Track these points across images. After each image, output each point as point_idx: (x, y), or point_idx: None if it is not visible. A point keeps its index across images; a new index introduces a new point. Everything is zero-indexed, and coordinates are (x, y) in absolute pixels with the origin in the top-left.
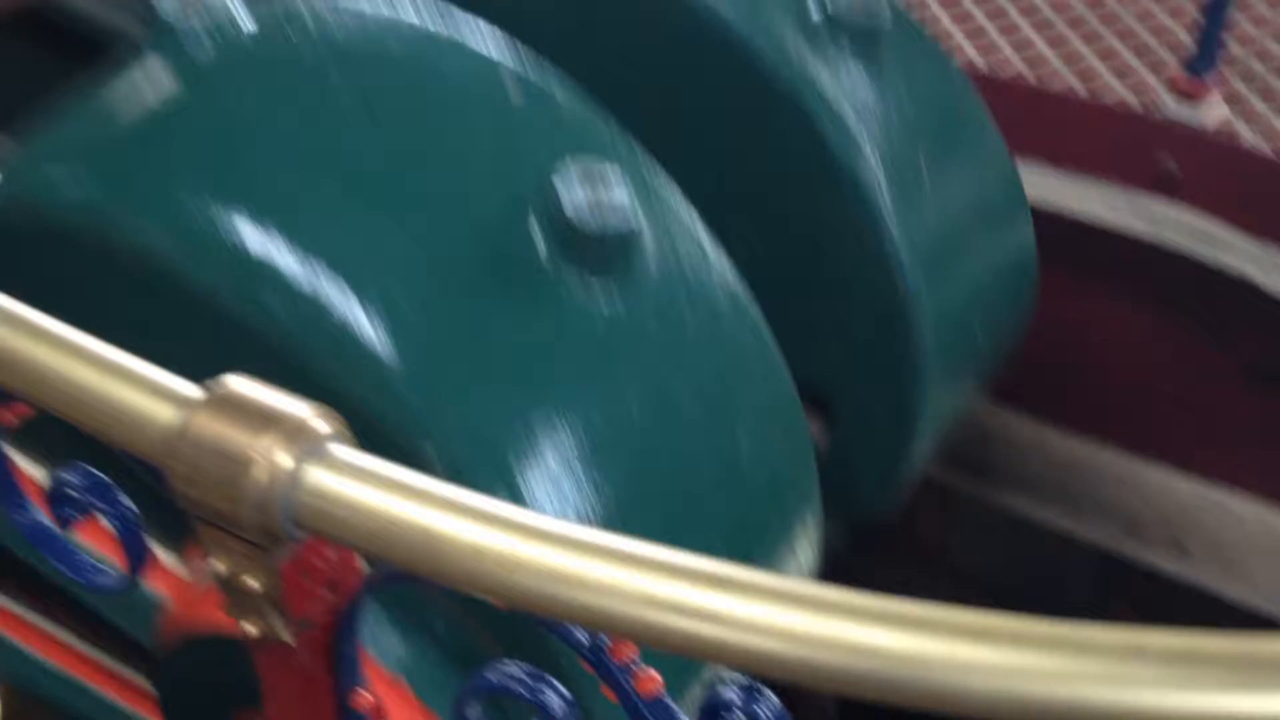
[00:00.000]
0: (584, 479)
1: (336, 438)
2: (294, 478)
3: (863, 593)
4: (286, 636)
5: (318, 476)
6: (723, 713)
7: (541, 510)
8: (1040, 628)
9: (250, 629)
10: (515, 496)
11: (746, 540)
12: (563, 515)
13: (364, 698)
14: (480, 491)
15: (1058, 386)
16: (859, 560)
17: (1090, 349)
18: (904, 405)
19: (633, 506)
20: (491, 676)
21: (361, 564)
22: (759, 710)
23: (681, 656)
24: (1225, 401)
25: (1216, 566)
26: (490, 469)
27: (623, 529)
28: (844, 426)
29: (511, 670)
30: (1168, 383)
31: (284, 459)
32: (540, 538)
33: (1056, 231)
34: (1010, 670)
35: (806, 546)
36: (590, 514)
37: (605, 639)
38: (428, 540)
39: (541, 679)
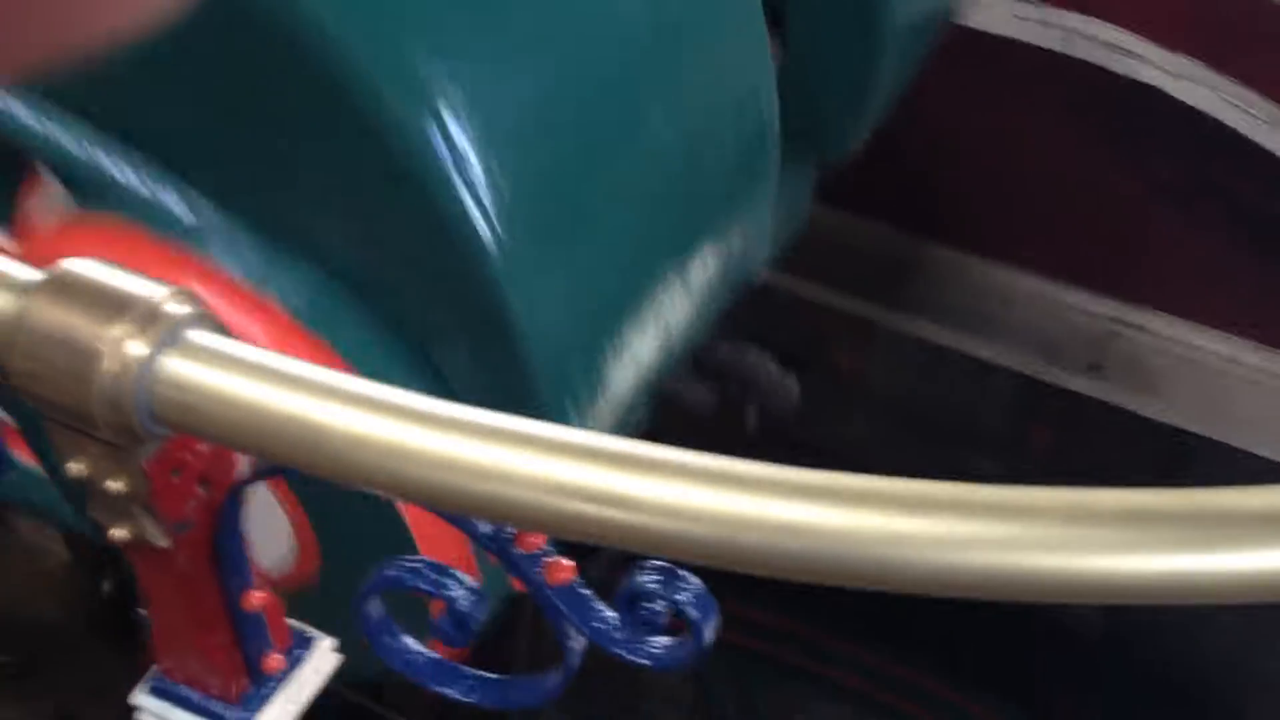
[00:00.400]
0: (517, 104)
1: (196, 321)
2: (149, 369)
3: (785, 467)
4: (160, 540)
5: (176, 366)
6: (642, 602)
7: (467, 159)
8: (981, 493)
9: (119, 534)
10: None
11: (702, 166)
12: (492, 162)
13: (254, 598)
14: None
15: (971, 211)
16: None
17: (1004, 171)
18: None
19: (566, 126)
20: (392, 571)
21: (239, 456)
22: (680, 597)
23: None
24: (1142, 221)
25: (1135, 386)
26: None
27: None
28: (800, 42)
29: (413, 564)
30: (1084, 203)
31: (136, 348)
32: (429, 423)
33: (967, 44)
34: (950, 541)
35: (765, 178)
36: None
37: (509, 529)
38: (304, 432)
39: (446, 572)
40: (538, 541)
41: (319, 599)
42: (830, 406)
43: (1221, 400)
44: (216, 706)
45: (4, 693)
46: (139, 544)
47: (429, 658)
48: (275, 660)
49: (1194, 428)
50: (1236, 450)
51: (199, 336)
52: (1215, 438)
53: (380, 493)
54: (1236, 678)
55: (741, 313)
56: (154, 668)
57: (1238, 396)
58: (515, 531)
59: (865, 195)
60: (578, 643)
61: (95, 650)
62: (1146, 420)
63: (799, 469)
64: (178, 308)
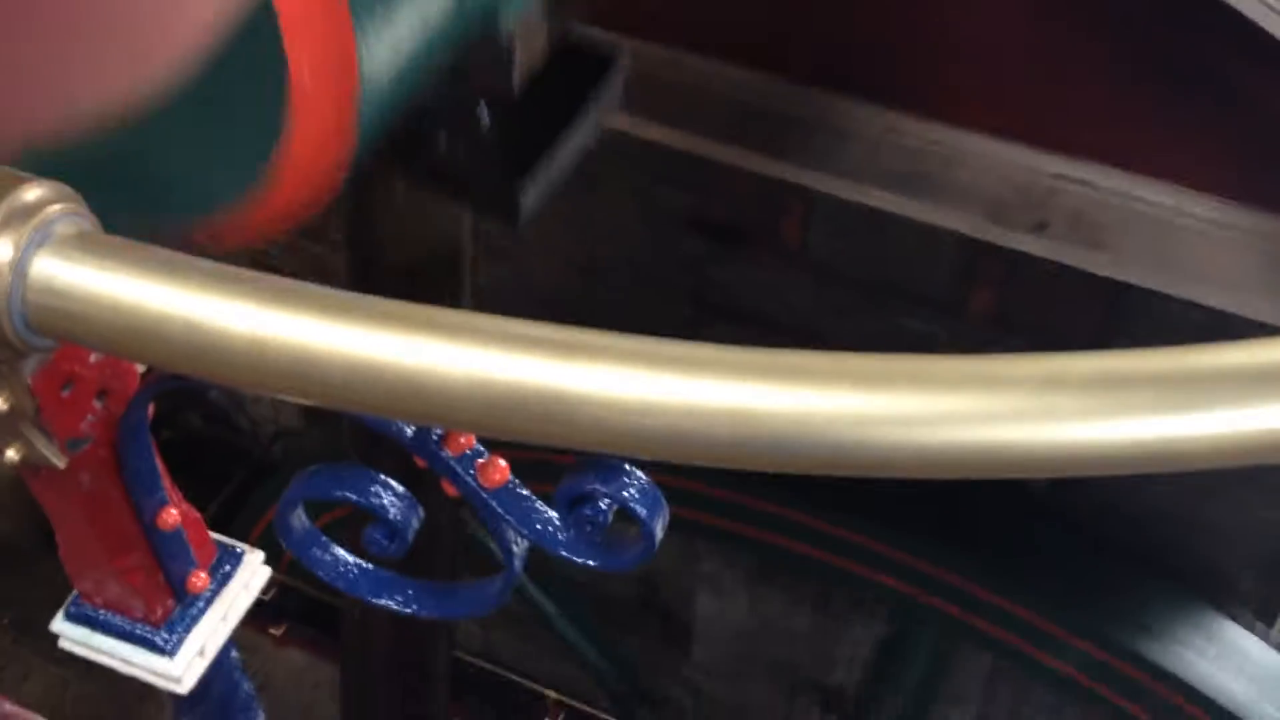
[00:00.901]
0: None
1: (70, 217)
2: (19, 273)
3: (730, 348)
4: (56, 460)
5: (49, 268)
6: (585, 501)
7: None
8: (941, 366)
9: (10, 455)
10: None
11: None
12: None
13: (170, 515)
14: None
15: (908, 70)
16: (720, 269)
17: (942, 27)
18: None
19: None
20: (312, 479)
21: (136, 365)
22: (626, 493)
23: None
24: (1084, 74)
25: (1081, 242)
26: None
27: None
28: None
29: (335, 471)
30: (1024, 59)
31: (3, 250)
32: (334, 315)
33: None
34: (912, 418)
35: None
36: None
37: (437, 430)
38: (195, 336)
39: (373, 480)
40: (467, 442)
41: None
42: (774, 278)
43: (1169, 252)
44: (142, 630)
45: None
46: (34, 465)
47: (364, 569)
48: (200, 579)
49: (1140, 282)
50: (1181, 302)
51: (74, 233)
52: (1161, 290)
53: (292, 399)
54: (1177, 524)
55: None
56: (72, 593)
57: (1185, 248)
58: (442, 433)
59: (802, 60)
60: (519, 546)
61: (51, 561)
62: (1091, 277)
63: (756, 349)
64: (48, 202)
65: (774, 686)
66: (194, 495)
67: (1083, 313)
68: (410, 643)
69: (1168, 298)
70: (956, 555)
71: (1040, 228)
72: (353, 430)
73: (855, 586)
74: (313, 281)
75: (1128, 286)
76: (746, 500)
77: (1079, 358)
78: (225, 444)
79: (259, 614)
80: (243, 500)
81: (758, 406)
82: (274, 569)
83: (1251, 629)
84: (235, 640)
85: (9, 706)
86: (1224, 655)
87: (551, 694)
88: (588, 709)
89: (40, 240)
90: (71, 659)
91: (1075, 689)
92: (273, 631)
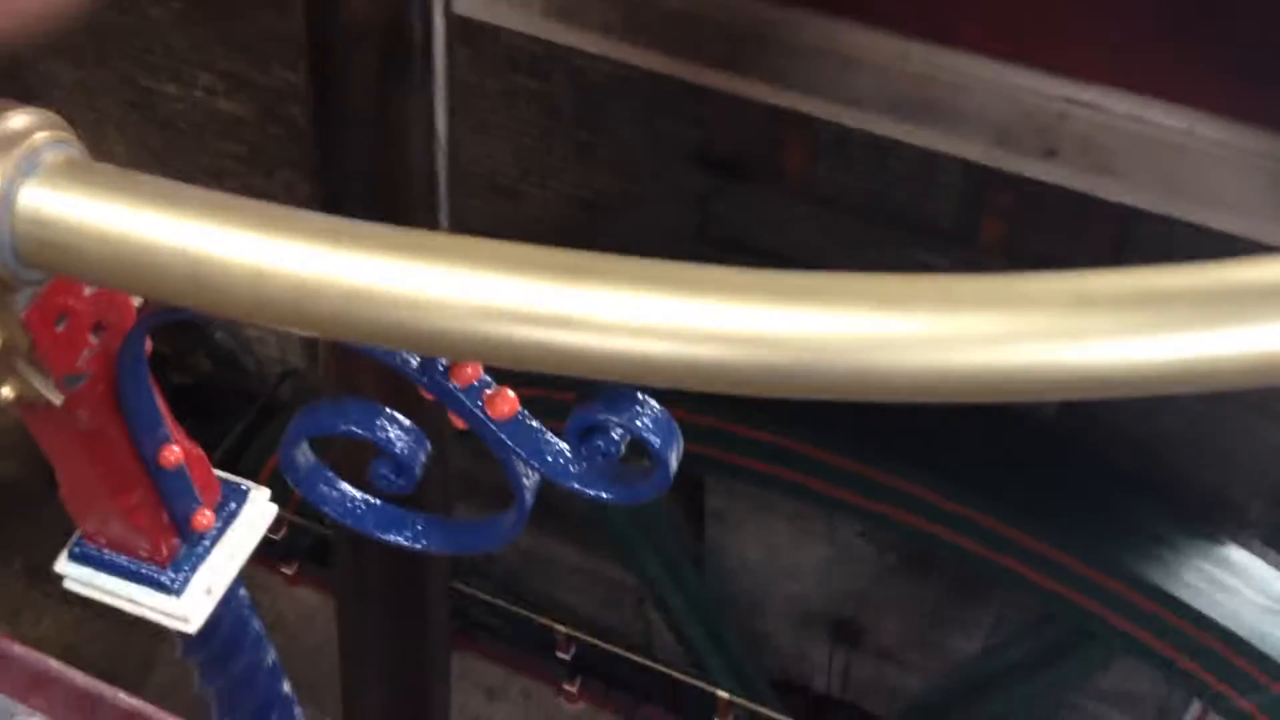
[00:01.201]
0: None
1: (57, 145)
2: (7, 203)
3: (742, 270)
4: (52, 396)
5: (37, 198)
6: (598, 433)
7: None
8: (966, 285)
9: (5, 392)
10: None
11: None
12: None
13: (171, 452)
14: None
15: None
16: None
17: None
18: None
19: None
20: (316, 414)
21: (132, 297)
22: (639, 423)
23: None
24: None
25: (1090, 168)
26: None
27: None
28: None
29: (339, 405)
30: None
31: None
32: (338, 242)
33: None
34: (936, 339)
35: None
36: None
37: (442, 361)
38: (192, 267)
39: (378, 413)
40: (474, 372)
41: None
42: (778, 211)
43: (1179, 176)
44: (148, 569)
45: None
46: (30, 403)
47: (371, 504)
48: (206, 517)
49: (1150, 207)
50: (1192, 226)
51: (62, 161)
52: (1172, 215)
53: (294, 330)
54: (1185, 452)
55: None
56: (76, 533)
57: (1196, 171)
58: (448, 363)
59: None
60: (530, 479)
61: (59, 504)
62: (1101, 203)
63: (771, 271)
64: (35, 129)
65: (784, 619)
66: (203, 437)
67: (1092, 240)
68: (403, 572)
69: (1178, 223)
70: (964, 485)
71: (1049, 154)
72: (343, 365)
73: (861, 518)
74: None
75: (1137, 212)
76: (750, 433)
77: (1109, 274)
78: (233, 386)
79: (270, 553)
80: (251, 441)
81: (776, 331)
82: (283, 508)
83: (1261, 555)
84: (245, 579)
85: (18, 648)
86: (1233, 581)
87: (562, 628)
88: (600, 643)
89: (28, 169)
90: (85, 601)
91: (1084, 617)
92: (284, 571)
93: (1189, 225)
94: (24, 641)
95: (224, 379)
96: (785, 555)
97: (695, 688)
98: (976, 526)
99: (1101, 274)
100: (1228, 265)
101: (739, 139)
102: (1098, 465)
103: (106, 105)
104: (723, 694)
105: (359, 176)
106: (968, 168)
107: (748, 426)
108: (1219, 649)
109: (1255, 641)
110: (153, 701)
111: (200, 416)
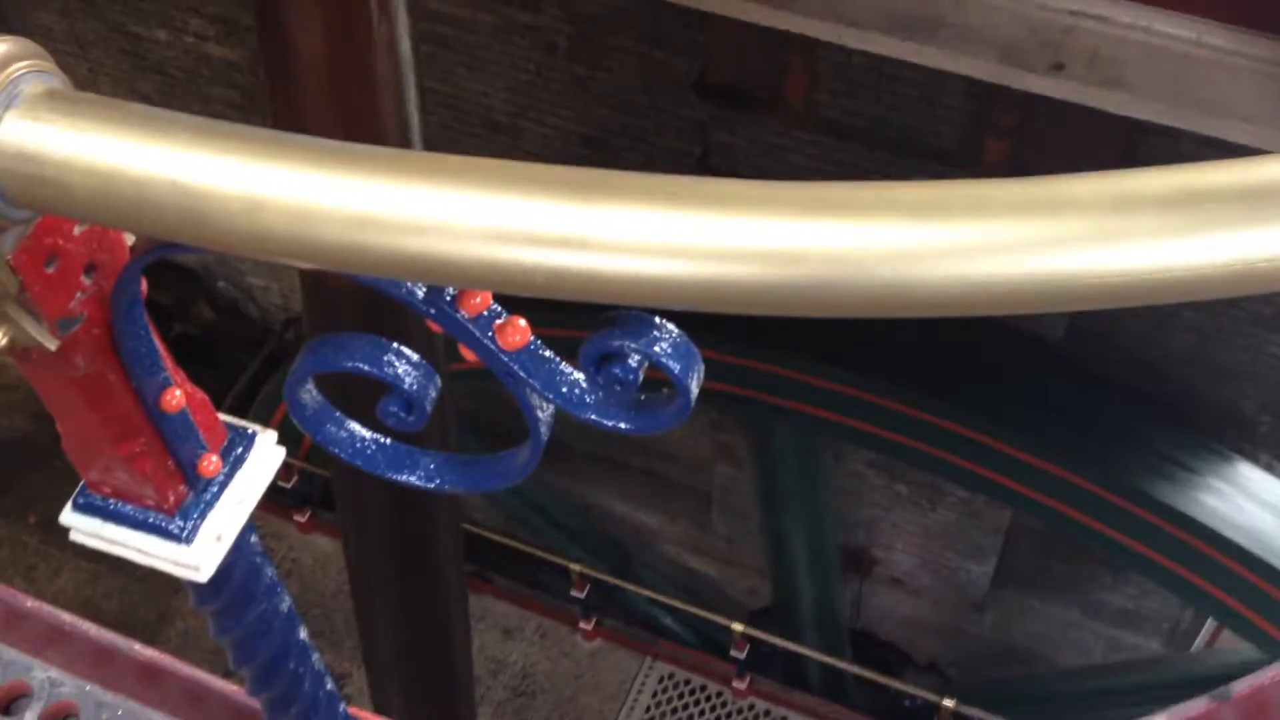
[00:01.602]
0: None
1: (37, 75)
2: None
3: (763, 183)
4: (47, 341)
5: (18, 131)
6: (615, 361)
7: None
8: (1001, 190)
9: None
10: None
11: None
12: None
13: (173, 397)
14: None
15: None
16: (725, 133)
17: None
18: None
19: None
20: (322, 351)
21: (125, 234)
22: (657, 348)
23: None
24: None
25: (1097, 81)
26: None
27: None
28: None
29: (348, 341)
30: None
31: None
32: (334, 167)
33: None
34: (972, 247)
35: None
36: None
37: (449, 290)
38: (185, 199)
39: (385, 348)
40: (484, 301)
41: None
42: (780, 138)
43: (1188, 87)
44: (155, 518)
45: None
46: (24, 349)
47: (382, 444)
48: (212, 463)
49: (1159, 119)
50: (1202, 139)
51: (42, 92)
52: (1180, 127)
53: (292, 262)
54: (1194, 369)
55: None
56: (81, 483)
57: (1205, 82)
58: (456, 292)
59: None
60: (545, 411)
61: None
62: (1107, 118)
63: (793, 184)
64: (13, 60)
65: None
66: (209, 387)
67: (1098, 157)
68: (407, 512)
69: (1186, 135)
70: (973, 410)
71: (1056, 68)
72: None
73: (869, 446)
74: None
75: (1144, 126)
76: (759, 366)
77: (1150, 173)
78: (237, 335)
79: (283, 501)
80: (258, 389)
81: (804, 245)
82: (293, 456)
83: (1270, 469)
84: (257, 527)
85: (32, 603)
86: (1243, 497)
87: (576, 567)
88: (609, 579)
89: (7, 101)
90: (101, 555)
91: (1097, 537)
92: (297, 518)
93: (1197, 137)
94: (41, 597)
95: (228, 328)
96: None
97: (710, 622)
98: (986, 451)
99: (1143, 173)
100: (1275, 159)
101: (738, 67)
102: (1107, 386)
103: (98, 55)
104: (737, 627)
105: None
106: (971, 88)
107: (757, 360)
108: (1232, 566)
109: (1269, 557)
110: (170, 653)
111: (206, 366)
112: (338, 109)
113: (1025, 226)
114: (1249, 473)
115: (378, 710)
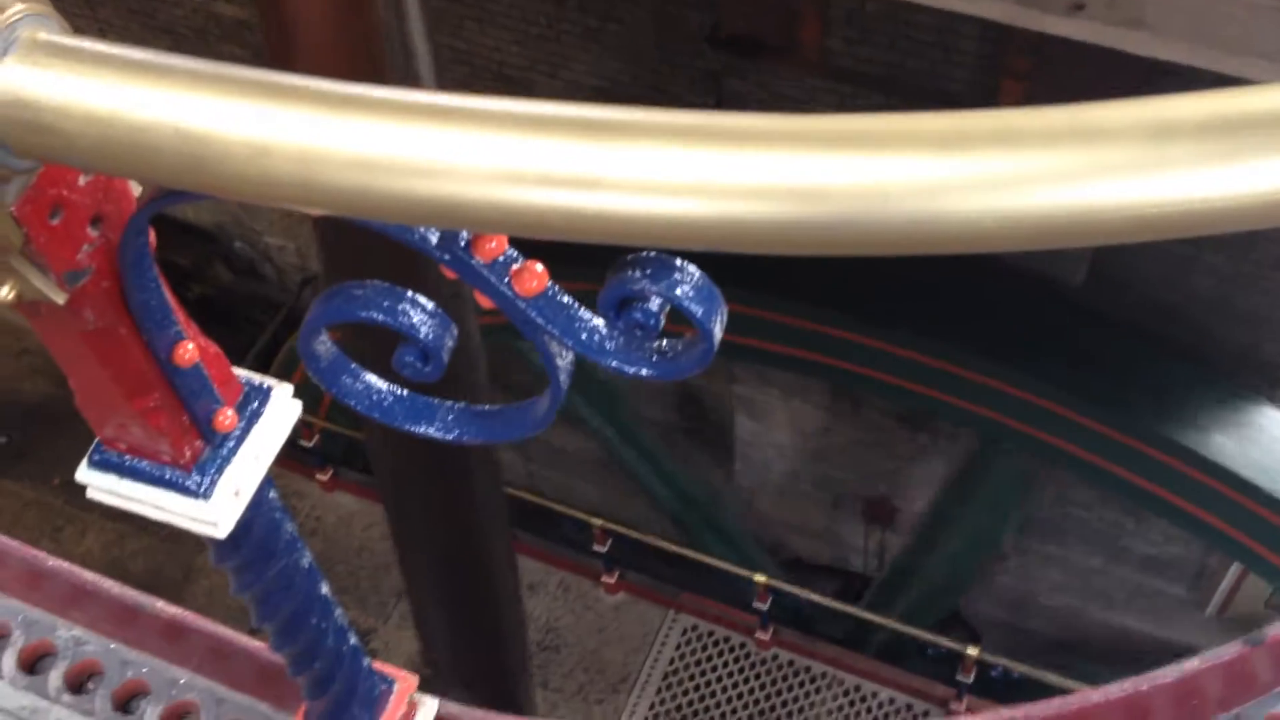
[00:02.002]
0: None
1: (34, 19)
2: None
3: (782, 116)
4: (53, 295)
5: (17, 78)
6: (635, 305)
7: None
8: (1030, 117)
9: (4, 293)
10: None
11: None
12: None
13: (186, 350)
14: None
15: None
16: (739, 83)
17: None
18: None
19: None
20: (334, 301)
21: (131, 184)
22: (679, 291)
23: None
24: None
25: (1115, 19)
26: None
27: None
28: None
29: (361, 290)
30: None
31: None
32: (341, 108)
33: None
34: (999, 179)
35: None
36: None
37: (463, 235)
38: (189, 144)
39: (400, 297)
40: (499, 246)
41: None
42: (794, 87)
43: (1211, 24)
44: (172, 474)
45: (8, 471)
46: (32, 304)
47: (398, 395)
48: (228, 417)
49: (1179, 59)
50: (1224, 79)
51: (41, 37)
52: (1201, 66)
53: (301, 208)
54: (1214, 314)
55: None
56: (96, 440)
57: (1228, 18)
58: (470, 237)
59: None
60: (564, 359)
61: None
62: (1125, 59)
63: (810, 116)
64: (7, 4)
65: (818, 502)
66: (229, 347)
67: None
68: (442, 470)
69: (1207, 75)
70: (992, 359)
71: (1075, 8)
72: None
73: (890, 396)
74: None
75: (1163, 68)
76: (779, 318)
77: (1186, 99)
78: (255, 296)
79: (305, 460)
80: (277, 349)
81: (826, 181)
82: (314, 414)
83: None
84: (279, 485)
85: (53, 562)
86: (1265, 440)
87: (598, 521)
88: (634, 534)
89: (4, 47)
90: (127, 515)
91: (1119, 483)
92: (319, 477)
93: (1217, 78)
94: (68, 558)
95: (246, 289)
96: (816, 439)
97: (732, 574)
98: (1007, 398)
99: (1180, 99)
100: None
101: (751, 15)
102: (1128, 331)
103: (108, 15)
104: (760, 578)
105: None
106: (985, 31)
107: (776, 312)
108: (1255, 509)
109: None
110: (196, 611)
111: (225, 327)
112: (342, 69)
113: (1058, 157)
114: (1270, 416)
115: (429, 669)
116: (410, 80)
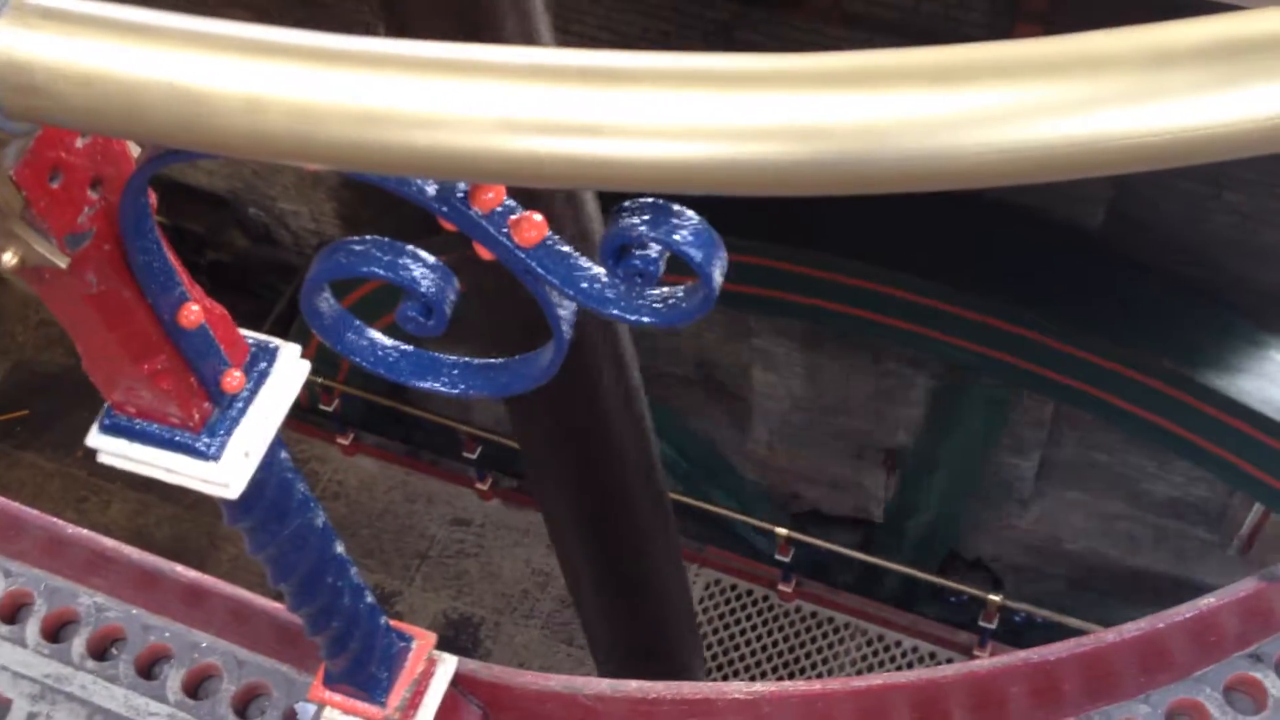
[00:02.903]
0: None
1: None
2: None
3: (774, 57)
4: (55, 259)
5: (9, 40)
6: (633, 249)
7: None
8: (1027, 48)
9: (7, 258)
10: None
11: None
12: None
13: (191, 311)
14: None
15: None
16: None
17: None
18: None
19: None
20: (335, 257)
21: (129, 145)
22: (678, 236)
23: None
24: None
25: None
26: None
27: None
28: None
29: (359, 244)
30: None
31: None
32: (333, 62)
33: None
34: (1003, 111)
35: None
36: None
37: (461, 186)
38: (183, 102)
39: (400, 251)
40: (496, 197)
41: None
42: (806, 36)
43: None
44: (182, 436)
45: (30, 443)
46: (35, 268)
47: (402, 350)
48: (235, 378)
49: None
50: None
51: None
52: (1220, 0)
53: (297, 163)
54: (1235, 254)
55: None
56: (105, 405)
57: None
58: (468, 188)
59: None
60: (566, 309)
61: None
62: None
63: (805, 55)
64: None
65: (838, 453)
66: (248, 313)
67: None
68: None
69: (1224, 8)
70: (1011, 301)
71: None
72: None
73: (908, 343)
74: None
75: (1180, 3)
76: (792, 267)
77: (1186, 25)
78: (271, 261)
79: (325, 425)
80: (296, 314)
81: (824, 119)
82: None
83: None
84: (289, 443)
85: (71, 530)
86: None
87: None
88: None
89: None
90: (149, 484)
91: (1141, 425)
92: (340, 441)
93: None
94: (94, 528)
95: (261, 254)
96: (834, 390)
97: (756, 527)
98: (1027, 343)
99: (1180, 25)
100: None
101: None
102: (1148, 272)
103: None
104: (781, 531)
105: None
106: None
107: (792, 263)
108: (1278, 448)
109: None
110: (221, 578)
111: (242, 293)
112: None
113: (1059, 87)
114: None
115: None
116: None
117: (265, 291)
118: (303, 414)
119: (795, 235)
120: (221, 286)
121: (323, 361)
